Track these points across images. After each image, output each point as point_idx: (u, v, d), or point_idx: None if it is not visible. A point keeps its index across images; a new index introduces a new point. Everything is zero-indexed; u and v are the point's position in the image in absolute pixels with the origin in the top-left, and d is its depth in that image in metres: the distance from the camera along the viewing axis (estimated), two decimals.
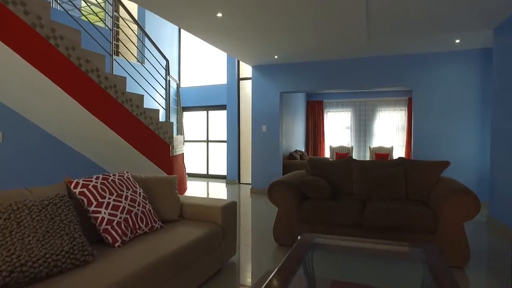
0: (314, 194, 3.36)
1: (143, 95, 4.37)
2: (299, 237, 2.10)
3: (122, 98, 3.95)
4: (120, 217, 2.19)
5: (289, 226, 3.39)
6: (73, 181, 2.15)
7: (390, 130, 9.89)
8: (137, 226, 2.29)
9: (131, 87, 4.64)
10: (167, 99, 4.98)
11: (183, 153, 5.91)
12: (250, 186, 7.18)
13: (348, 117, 10.26)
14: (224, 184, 8.12)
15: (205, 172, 9.30)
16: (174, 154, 5.10)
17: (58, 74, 3.12)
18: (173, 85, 6.58)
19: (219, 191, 7.30)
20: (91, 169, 4.93)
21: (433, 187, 3.28)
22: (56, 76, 3.09)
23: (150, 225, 2.42)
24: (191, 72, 9.46)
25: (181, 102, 9.36)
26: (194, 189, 7.50)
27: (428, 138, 5.58)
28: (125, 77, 4.05)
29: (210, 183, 8.54)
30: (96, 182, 2.23)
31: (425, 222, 2.86)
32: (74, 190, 2.12)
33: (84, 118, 3.57)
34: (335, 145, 10.24)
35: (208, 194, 7.05)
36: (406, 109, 9.70)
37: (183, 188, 6.00)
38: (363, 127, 10.05)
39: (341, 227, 3.17)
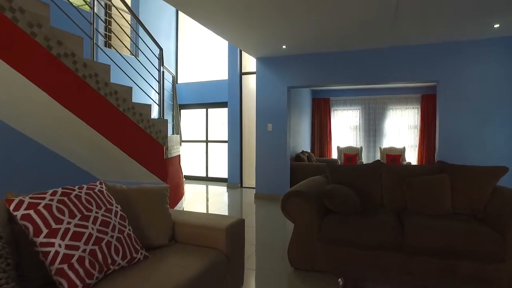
0: (340, 208, 2.71)
1: (131, 87, 3.71)
2: (340, 281, 1.45)
3: (105, 89, 3.30)
4: (84, 250, 1.54)
5: (308, 246, 2.74)
6: (14, 199, 1.50)
7: (401, 130, 9.25)
8: (109, 261, 1.64)
9: (121, 81, 4.00)
10: (160, 93, 4.33)
11: (179, 155, 5.26)
12: (253, 191, 6.52)
13: (357, 116, 9.62)
14: (225, 188, 7.47)
15: (205, 175, 8.64)
16: (169, 156, 4.45)
17: (17, 56, 2.46)
18: (169, 78, 5.90)
19: (219, 197, 6.64)
20: (71, 173, 4.28)
21: (489, 199, 2.63)
22: (14, 60, 2.44)
23: (129, 257, 1.77)
24: (189, 67, 8.81)
25: (179, 99, 8.71)
26: (192, 194, 6.84)
27: (456, 139, 4.94)
28: (109, 65, 3.40)
29: (209, 187, 7.89)
30: (51, 200, 1.58)
31: (490, 246, 2.21)
32: (15, 213, 1.47)
33: (54, 112, 2.92)
34: (343, 145, 9.59)
35: (207, 199, 6.39)
36: (419, 107, 9.07)
37: (179, 194, 5.36)
38: (372, 127, 9.42)
39: (375, 249, 2.52)
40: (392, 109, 9.32)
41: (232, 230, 2.15)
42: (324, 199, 2.73)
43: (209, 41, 8.46)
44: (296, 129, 7.90)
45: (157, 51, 4.46)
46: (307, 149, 9.28)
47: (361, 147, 9.25)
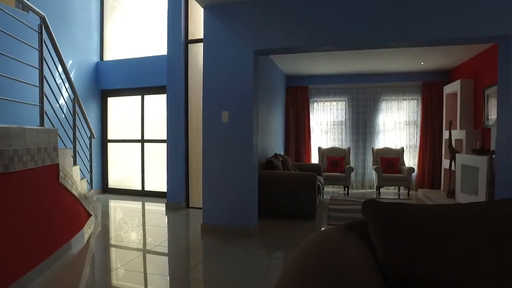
0: None
1: None
2: None
3: None
4: None
5: None
6: None
7: (398, 126, 7.34)
8: None
9: None
10: None
11: (57, 164, 2.88)
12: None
13: (342, 109, 7.61)
14: (164, 209, 5.13)
15: (140, 188, 6.23)
16: (9, 170, 2.08)
17: None
18: (31, 20, 3.37)
19: (153, 227, 4.25)
20: None
21: None
22: None
23: None
24: (119, 38, 6.37)
25: (105, 82, 6.25)
26: (119, 220, 4.40)
27: None
28: None
29: (146, 206, 5.52)
30: None
31: None
32: None
33: None
34: (325, 146, 7.54)
35: (143, 226, 4.00)
36: (420, 98, 7.21)
37: (66, 230, 2.99)
38: (362, 122, 7.44)
39: None
40: (386, 100, 7.39)
41: None
42: None
43: (145, 2, 6.09)
44: (266, 125, 5.71)
45: None
46: (280, 151, 7.13)
47: (349, 148, 7.23)
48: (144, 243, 3.66)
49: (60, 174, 2.91)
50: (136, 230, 4.08)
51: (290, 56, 5.87)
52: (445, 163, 6.45)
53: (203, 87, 3.74)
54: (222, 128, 3.66)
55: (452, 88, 6.22)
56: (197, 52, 5.05)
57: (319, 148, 7.35)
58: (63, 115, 3.87)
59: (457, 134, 5.93)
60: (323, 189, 6.02)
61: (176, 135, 5.04)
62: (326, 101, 7.67)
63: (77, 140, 3.84)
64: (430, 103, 7.02)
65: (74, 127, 3.72)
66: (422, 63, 6.33)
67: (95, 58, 6.19)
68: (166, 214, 4.90)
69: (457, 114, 6.03)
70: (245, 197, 3.66)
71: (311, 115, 7.68)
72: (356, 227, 1.30)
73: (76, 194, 3.34)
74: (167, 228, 4.26)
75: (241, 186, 3.66)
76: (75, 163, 3.66)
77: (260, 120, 5.08)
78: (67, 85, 3.74)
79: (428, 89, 7.04)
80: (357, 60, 6.18)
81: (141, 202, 5.78)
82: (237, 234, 3.66)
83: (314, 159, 7.57)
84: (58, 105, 3.81)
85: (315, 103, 7.73)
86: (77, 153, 3.84)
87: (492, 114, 5.21)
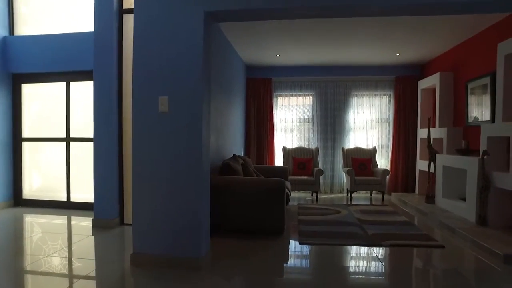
0: None
1: None
2: None
3: None
4: None
5: None
6: None
7: (370, 125, 6.69)
8: None
9: None
10: None
11: None
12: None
13: (309, 104, 6.84)
14: (91, 226, 3.98)
15: (65, 198, 4.97)
16: None
17: None
18: None
19: (68, 255, 3.09)
20: None
21: None
22: None
23: None
24: (36, 8, 5.06)
25: (18, 63, 4.92)
26: (9, 250, 3.20)
27: None
28: None
29: (72, 221, 4.35)
30: None
31: None
32: None
33: None
34: (290, 145, 6.72)
35: (65, 259, 2.83)
36: (392, 93, 6.62)
37: None
38: (331, 119, 6.71)
39: None
40: (356, 96, 6.72)
41: None
42: None
43: None
44: (222, 121, 4.74)
45: None
46: (240, 152, 6.20)
47: (317, 148, 6.47)
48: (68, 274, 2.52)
49: None
50: (44, 261, 2.90)
51: (252, 41, 4.97)
52: (421, 165, 5.89)
53: (133, 62, 2.68)
54: (160, 120, 2.62)
55: (429, 82, 5.66)
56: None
57: (284, 148, 6.51)
58: None
59: (436, 132, 5.35)
60: (290, 195, 5.18)
61: (106, 133, 3.91)
62: (292, 95, 6.84)
63: None
64: (404, 99, 6.44)
65: None
66: (398, 54, 5.70)
67: (1, 32, 4.84)
68: (93, 235, 3.76)
69: (436, 111, 5.46)
70: (192, 215, 2.65)
71: (274, 111, 6.82)
72: None
73: None
74: (90, 259, 3.13)
75: (187, 199, 2.65)
76: None
77: (215, 115, 4.10)
78: None
79: (402, 84, 6.46)
80: (327, 49, 5.42)
81: (65, 217, 4.57)
82: (181, 267, 2.65)
83: (278, 160, 6.72)
84: None
85: (279, 98, 6.88)
86: None
87: (474, 111, 4.66)
